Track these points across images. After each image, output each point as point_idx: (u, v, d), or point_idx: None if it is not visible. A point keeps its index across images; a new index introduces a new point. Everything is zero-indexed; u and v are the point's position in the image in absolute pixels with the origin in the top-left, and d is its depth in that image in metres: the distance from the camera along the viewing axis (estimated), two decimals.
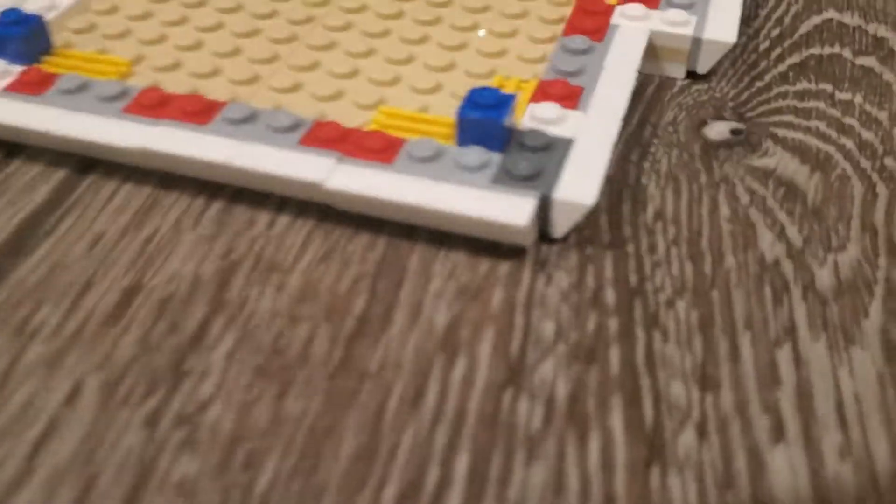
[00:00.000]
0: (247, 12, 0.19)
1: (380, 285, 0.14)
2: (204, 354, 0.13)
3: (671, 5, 0.19)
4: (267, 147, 0.15)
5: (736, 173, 0.16)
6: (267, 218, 0.15)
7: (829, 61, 0.19)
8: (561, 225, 0.14)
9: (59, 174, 0.16)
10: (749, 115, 0.17)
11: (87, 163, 0.16)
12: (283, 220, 0.15)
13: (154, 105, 0.16)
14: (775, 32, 0.20)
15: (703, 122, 0.17)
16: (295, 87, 0.17)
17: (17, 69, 0.17)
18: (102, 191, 0.16)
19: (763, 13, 0.21)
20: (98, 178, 0.16)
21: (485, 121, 0.15)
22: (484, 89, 0.15)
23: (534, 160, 0.15)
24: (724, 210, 0.15)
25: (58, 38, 0.18)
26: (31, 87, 0.17)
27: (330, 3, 0.19)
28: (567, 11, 0.19)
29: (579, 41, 0.17)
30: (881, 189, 0.16)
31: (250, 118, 0.16)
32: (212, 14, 0.19)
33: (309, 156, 0.15)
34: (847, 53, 0.19)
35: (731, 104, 0.18)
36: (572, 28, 0.18)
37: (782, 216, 0.15)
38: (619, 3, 0.19)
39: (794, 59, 0.19)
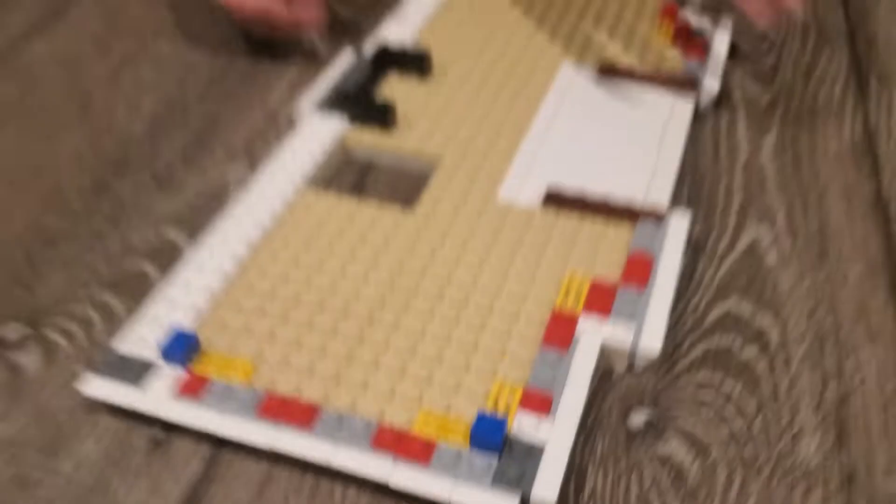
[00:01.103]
0: (329, 310, 0.28)
1: None
2: None
3: (618, 316, 0.27)
4: (350, 450, 0.24)
5: (645, 458, 0.25)
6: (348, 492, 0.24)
7: (722, 354, 0.28)
8: None
9: (203, 450, 0.25)
10: (662, 402, 0.26)
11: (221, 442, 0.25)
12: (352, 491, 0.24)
13: (274, 410, 0.25)
14: (689, 323, 0.29)
15: (629, 410, 0.26)
16: (364, 386, 0.26)
17: (177, 373, 0.26)
18: (236, 465, 0.25)
19: (681, 305, 0.29)
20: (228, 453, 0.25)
21: (488, 441, 0.24)
22: (485, 419, 0.24)
23: (518, 466, 0.23)
24: (634, 491, 0.24)
25: (200, 335, 0.27)
26: (191, 390, 0.26)
27: (385, 305, 0.28)
28: (545, 316, 0.27)
29: (553, 357, 0.26)
30: (737, 476, 0.24)
31: (338, 425, 0.25)
32: (305, 313, 0.28)
33: (377, 458, 0.24)
34: (736, 345, 0.28)
35: (650, 394, 0.27)
36: (550, 337, 0.27)
37: (670, 496, 0.24)
38: (582, 313, 0.27)
39: (698, 351, 0.28)
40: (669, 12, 0.41)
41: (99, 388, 0.25)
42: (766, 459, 0.25)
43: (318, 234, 0.31)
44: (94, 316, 0.29)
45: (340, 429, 0.24)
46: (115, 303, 0.29)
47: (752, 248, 0.31)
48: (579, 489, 0.24)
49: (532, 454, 0.24)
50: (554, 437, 0.24)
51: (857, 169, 0.35)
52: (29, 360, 0.28)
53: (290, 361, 0.26)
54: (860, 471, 0.24)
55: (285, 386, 0.26)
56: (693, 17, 0.41)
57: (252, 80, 0.40)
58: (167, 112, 0.38)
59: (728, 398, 0.26)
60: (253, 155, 0.36)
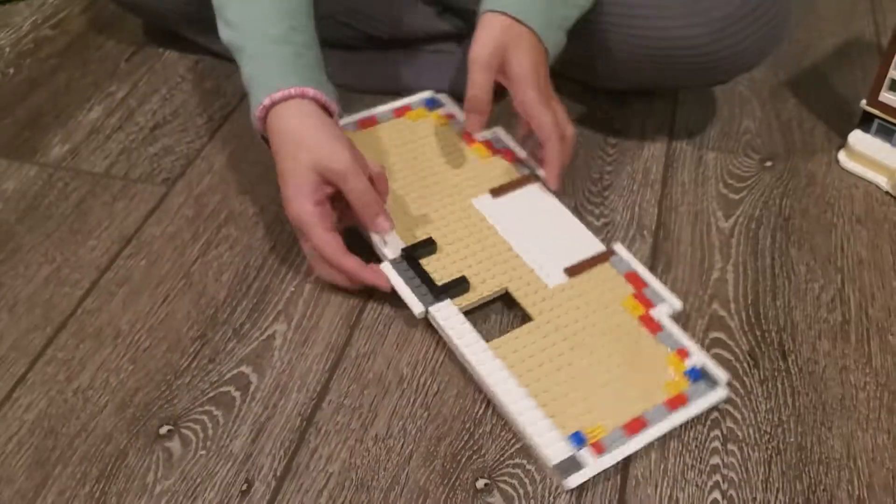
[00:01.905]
0: None
1: None
2: None
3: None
4: None
5: None
6: None
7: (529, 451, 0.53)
8: None
9: None
10: (493, 475, 0.52)
11: None
12: None
13: None
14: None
15: (476, 478, 0.52)
16: None
17: None
18: None
19: None
20: None
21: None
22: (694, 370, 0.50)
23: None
24: None
25: None
26: None
27: None
28: None
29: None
30: None
31: None
32: None
33: None
34: None
35: (487, 470, 0.52)
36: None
37: None
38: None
39: (518, 445, 0.54)
40: (467, 137, 0.71)
41: None
42: None
43: None
44: (207, 421, 0.55)
45: None
46: (217, 413, 0.56)
47: None
48: None
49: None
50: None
51: None
52: (174, 445, 0.54)
53: None
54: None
55: None
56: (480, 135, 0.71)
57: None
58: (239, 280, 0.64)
59: (528, 472, 0.52)
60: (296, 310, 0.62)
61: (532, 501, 0.51)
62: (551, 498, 0.51)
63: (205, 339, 0.60)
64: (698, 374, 0.55)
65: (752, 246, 0.67)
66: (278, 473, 0.52)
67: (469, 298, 0.60)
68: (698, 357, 0.56)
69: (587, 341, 0.57)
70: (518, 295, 0.60)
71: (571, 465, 0.51)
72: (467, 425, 0.55)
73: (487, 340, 0.57)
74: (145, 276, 0.65)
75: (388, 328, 0.61)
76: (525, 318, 0.59)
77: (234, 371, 0.58)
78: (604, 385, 0.55)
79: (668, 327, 0.58)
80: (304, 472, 0.52)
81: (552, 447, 0.51)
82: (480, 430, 0.54)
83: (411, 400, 0.56)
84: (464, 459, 0.53)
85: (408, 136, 0.71)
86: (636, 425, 0.52)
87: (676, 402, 0.53)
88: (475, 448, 0.53)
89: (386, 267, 0.60)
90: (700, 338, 0.60)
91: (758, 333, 0.61)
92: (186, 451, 0.54)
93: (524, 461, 0.53)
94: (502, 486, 0.51)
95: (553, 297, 0.60)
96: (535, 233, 0.64)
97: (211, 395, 0.57)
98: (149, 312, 0.62)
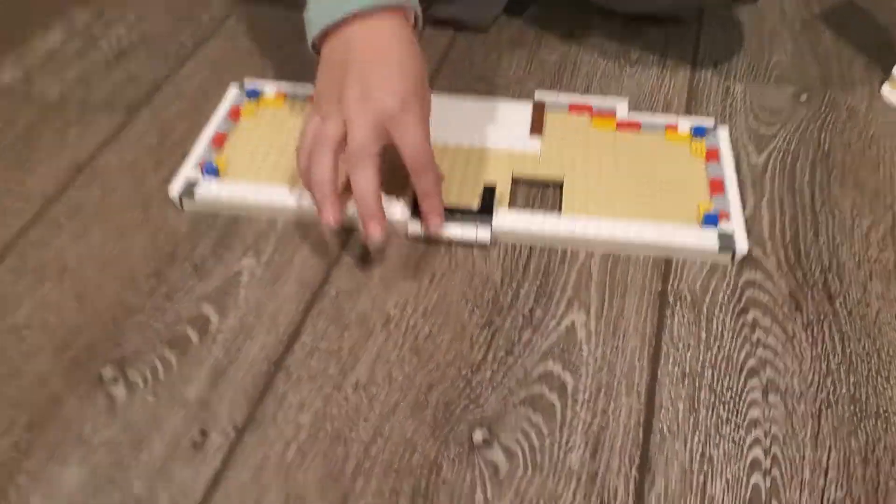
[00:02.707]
0: None
1: None
2: None
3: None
4: None
5: (478, 460, 0.43)
6: None
7: (538, 396, 0.45)
8: None
9: None
10: (493, 427, 0.44)
11: None
12: None
13: None
14: (520, 375, 0.46)
15: (472, 431, 0.44)
16: None
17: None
18: None
19: (518, 363, 0.47)
20: None
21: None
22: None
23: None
24: (469, 477, 0.42)
25: None
26: None
27: None
28: None
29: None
30: (528, 471, 0.42)
31: None
32: None
33: None
34: (546, 391, 0.46)
35: (488, 421, 0.44)
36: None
37: (489, 482, 0.42)
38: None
39: (523, 394, 0.46)
40: None
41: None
42: (548, 464, 0.42)
43: None
44: (159, 365, 0.47)
45: None
46: (171, 356, 0.48)
47: (571, 327, 0.49)
48: (436, 477, 0.42)
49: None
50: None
51: (655, 271, 0.52)
52: (118, 391, 0.46)
53: None
54: (600, 473, 0.42)
55: None
56: None
57: None
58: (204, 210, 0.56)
59: (534, 425, 0.44)
60: (259, 251, 0.54)
61: (539, 457, 0.43)
62: (562, 453, 0.43)
63: (161, 276, 0.52)
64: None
65: (788, 181, 0.59)
66: (239, 423, 0.44)
67: (502, 199, 0.57)
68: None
69: (623, 165, 0.59)
70: (525, 175, 0.59)
71: (730, 241, 0.53)
72: (464, 372, 0.47)
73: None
74: (98, 207, 0.57)
75: (372, 266, 0.53)
76: (553, 188, 0.58)
77: (194, 310, 0.50)
78: (664, 185, 0.58)
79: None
80: (270, 422, 0.44)
81: (706, 237, 0.53)
82: (479, 378, 0.46)
83: (399, 343, 0.48)
84: (459, 410, 0.45)
85: None
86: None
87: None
88: (473, 397, 0.45)
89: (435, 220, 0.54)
90: (731, 279, 0.52)
91: (799, 274, 0.52)
92: (133, 397, 0.46)
93: (530, 411, 0.45)
94: (504, 440, 0.44)
95: (554, 156, 0.60)
96: (475, 127, 0.62)
97: (165, 336, 0.49)
98: (100, 247, 0.54)
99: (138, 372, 0.47)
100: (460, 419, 0.44)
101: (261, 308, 0.50)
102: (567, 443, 0.43)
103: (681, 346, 0.48)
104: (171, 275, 0.52)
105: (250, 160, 0.59)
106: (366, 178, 0.48)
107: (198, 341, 0.48)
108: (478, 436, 0.44)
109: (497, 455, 0.43)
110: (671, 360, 0.47)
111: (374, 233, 0.48)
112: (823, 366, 0.47)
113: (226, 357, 0.48)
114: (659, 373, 0.47)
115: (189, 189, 0.56)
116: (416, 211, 0.55)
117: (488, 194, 0.56)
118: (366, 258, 0.53)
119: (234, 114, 0.63)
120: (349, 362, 0.47)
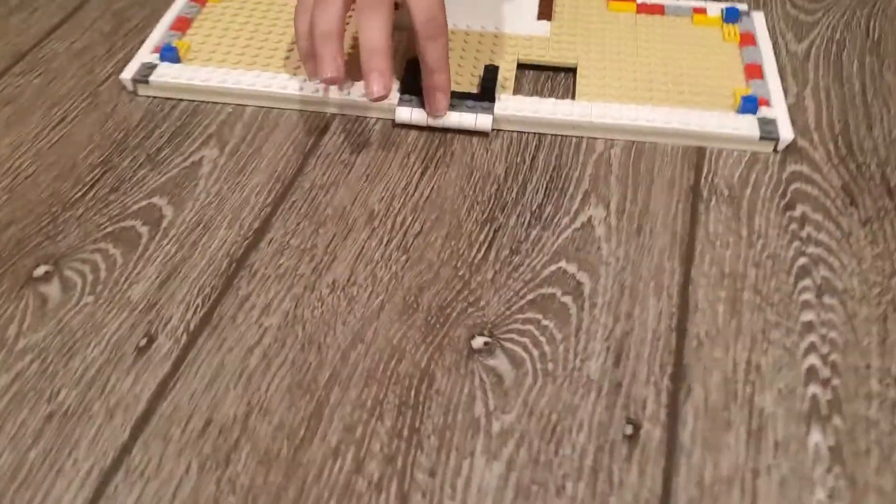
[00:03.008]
0: None
1: None
2: None
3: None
4: None
5: (478, 368, 0.35)
6: None
7: (547, 298, 0.38)
8: None
9: None
10: (496, 332, 0.37)
11: None
12: None
13: None
14: (528, 276, 0.39)
15: (472, 336, 0.37)
16: None
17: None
18: None
19: (525, 262, 0.40)
20: None
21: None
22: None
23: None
24: (467, 388, 0.35)
25: None
26: None
27: None
28: None
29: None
30: (539, 382, 0.35)
31: None
32: None
33: None
34: (557, 294, 0.38)
35: (489, 325, 0.37)
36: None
37: (491, 393, 0.35)
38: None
39: (531, 296, 0.38)
40: None
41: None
42: (561, 372, 0.35)
43: None
44: (100, 261, 0.40)
45: None
46: (115, 252, 0.40)
47: (587, 223, 0.42)
48: (428, 387, 0.35)
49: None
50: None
51: (685, 162, 0.45)
52: (51, 290, 0.39)
53: None
54: (625, 382, 0.35)
55: None
56: None
57: None
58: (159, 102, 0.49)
59: (544, 330, 0.37)
60: (223, 139, 0.46)
61: (551, 365, 0.36)
62: (578, 361, 0.36)
63: (108, 165, 0.45)
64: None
65: (834, 70, 0.52)
66: (191, 327, 0.37)
67: (506, 84, 0.49)
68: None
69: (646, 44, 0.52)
70: (532, 60, 0.51)
71: (772, 128, 0.46)
72: (461, 272, 0.39)
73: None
74: (38, 95, 0.49)
75: (355, 155, 0.45)
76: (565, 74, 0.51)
77: (143, 203, 0.43)
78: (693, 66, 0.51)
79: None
80: (229, 325, 0.37)
81: (745, 124, 0.46)
82: (479, 279, 0.39)
83: (384, 241, 0.41)
84: (455, 313, 0.38)
85: None
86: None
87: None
88: (471, 300, 0.38)
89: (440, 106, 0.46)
90: (774, 171, 0.45)
91: (852, 167, 0.45)
92: (67, 297, 0.38)
93: (539, 315, 0.37)
94: (508, 345, 0.36)
95: (565, 41, 0.53)
96: (474, 9, 0.55)
97: (109, 230, 0.41)
98: (37, 136, 0.47)
99: (75, 270, 0.39)
100: (457, 323, 0.37)
101: (222, 201, 0.43)
102: (585, 349, 0.36)
103: (718, 244, 0.41)
104: (119, 165, 0.45)
105: (217, 44, 0.51)
106: (378, 25, 0.41)
107: (147, 237, 0.41)
108: (478, 342, 0.37)
109: (501, 362, 0.36)
110: (707, 260, 0.40)
111: (378, 88, 0.41)
112: (887, 265, 0.40)
113: (179, 254, 0.40)
114: (693, 273, 0.39)
115: (144, 73, 0.49)
116: (406, 92, 0.47)
117: (489, 74, 0.48)
118: (345, 147, 0.46)
119: None
120: (325, 261, 0.40)
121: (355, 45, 0.51)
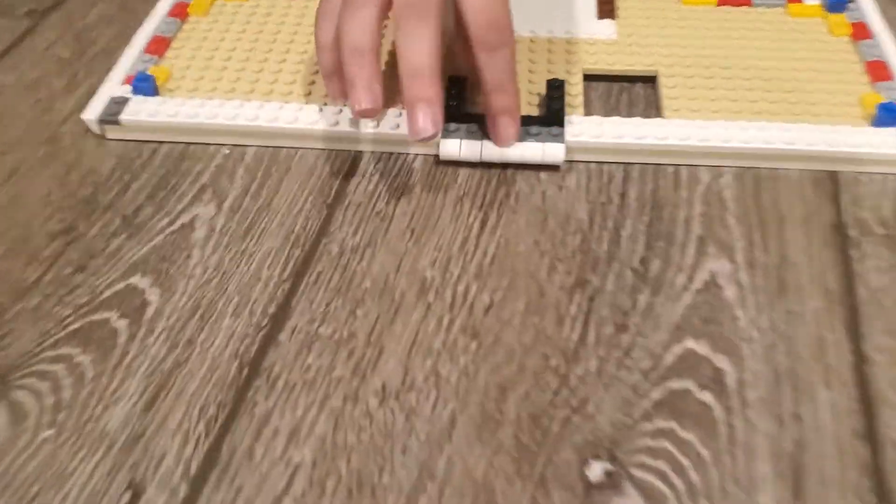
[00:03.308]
0: None
1: None
2: None
3: None
4: None
5: None
6: None
7: (679, 396, 0.28)
8: None
9: None
10: (618, 454, 0.27)
11: None
12: None
13: None
14: (645, 363, 0.29)
15: (586, 462, 0.27)
16: None
17: None
18: None
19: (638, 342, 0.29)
20: None
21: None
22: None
23: None
24: None
25: None
26: None
27: None
28: None
29: None
30: None
31: None
32: None
33: None
34: (693, 387, 0.28)
35: (607, 443, 0.27)
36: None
37: None
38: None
39: (657, 394, 0.28)
40: None
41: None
42: None
43: None
44: (62, 375, 0.29)
45: None
46: (82, 359, 0.30)
47: (711, 282, 0.31)
48: None
49: None
50: None
51: (819, 193, 0.35)
52: None
53: None
54: None
55: None
56: None
57: None
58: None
59: (685, 447, 0.27)
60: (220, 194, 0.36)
61: (704, 498, 0.25)
62: (738, 489, 0.26)
63: (72, 233, 0.34)
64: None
65: None
66: (192, 469, 0.26)
67: (574, 102, 0.38)
68: None
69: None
70: (600, 70, 0.41)
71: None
72: (554, 362, 0.29)
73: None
74: None
75: (393, 204, 0.35)
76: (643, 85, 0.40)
77: (120, 285, 0.32)
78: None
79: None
80: (245, 464, 0.26)
81: (887, 139, 0.36)
82: (579, 371, 0.29)
83: (444, 322, 0.30)
84: (556, 426, 0.27)
85: None
86: None
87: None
88: (574, 405, 0.28)
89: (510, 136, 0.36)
90: None
91: None
92: (18, 431, 0.28)
93: (672, 424, 0.27)
94: (639, 473, 0.26)
95: (636, 43, 0.42)
96: (523, 9, 0.44)
97: (74, 326, 0.31)
98: None
99: (28, 390, 0.29)
100: (560, 441, 0.27)
101: (225, 278, 0.32)
102: (748, 474, 0.26)
103: (888, 303, 0.31)
104: (86, 233, 0.34)
105: (204, 69, 0.41)
106: (424, 40, 0.31)
107: (126, 334, 0.30)
108: (595, 471, 0.26)
109: (632, 500, 0.25)
110: (879, 327, 0.30)
111: (426, 124, 0.31)
112: None
113: (170, 357, 0.30)
114: (864, 347, 0.29)
115: (113, 110, 0.38)
116: (451, 119, 0.37)
117: (555, 91, 0.38)
118: (380, 193, 0.36)
119: (180, 10, 0.45)
120: (369, 356, 0.30)
121: (391, 59, 0.41)
